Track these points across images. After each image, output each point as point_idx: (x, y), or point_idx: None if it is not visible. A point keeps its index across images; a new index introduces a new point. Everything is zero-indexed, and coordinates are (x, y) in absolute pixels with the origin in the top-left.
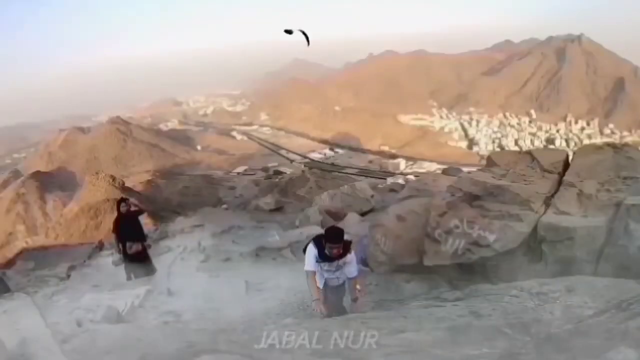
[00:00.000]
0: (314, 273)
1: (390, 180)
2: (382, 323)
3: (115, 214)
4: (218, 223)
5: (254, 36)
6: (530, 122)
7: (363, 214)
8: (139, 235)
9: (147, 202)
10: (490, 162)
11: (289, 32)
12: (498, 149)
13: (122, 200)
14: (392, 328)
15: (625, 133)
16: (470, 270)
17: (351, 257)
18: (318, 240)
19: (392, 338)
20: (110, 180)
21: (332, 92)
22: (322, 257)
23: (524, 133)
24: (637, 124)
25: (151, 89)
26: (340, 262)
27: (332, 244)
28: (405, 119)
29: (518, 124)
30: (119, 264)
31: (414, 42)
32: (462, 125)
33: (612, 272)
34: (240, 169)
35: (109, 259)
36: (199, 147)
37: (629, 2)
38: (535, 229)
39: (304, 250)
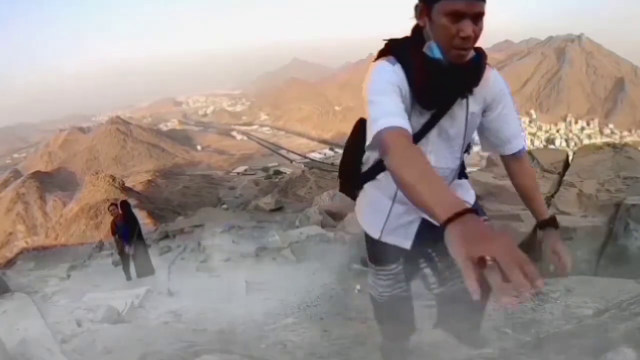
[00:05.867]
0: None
1: None
2: None
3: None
4: (218, 223)
5: (253, 36)
6: (530, 122)
7: None
8: (137, 237)
9: (147, 202)
10: (490, 162)
11: None
12: None
13: (113, 204)
14: None
15: (625, 133)
16: None
17: (494, 74)
18: (401, 47)
19: None
20: (110, 180)
21: (332, 92)
22: (425, 98)
23: (524, 133)
24: (637, 124)
25: (151, 89)
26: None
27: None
28: None
29: None
30: (119, 264)
31: None
32: None
33: (612, 272)
34: (240, 169)
35: (109, 259)
36: (199, 147)
37: (629, 2)
38: (535, 229)
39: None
